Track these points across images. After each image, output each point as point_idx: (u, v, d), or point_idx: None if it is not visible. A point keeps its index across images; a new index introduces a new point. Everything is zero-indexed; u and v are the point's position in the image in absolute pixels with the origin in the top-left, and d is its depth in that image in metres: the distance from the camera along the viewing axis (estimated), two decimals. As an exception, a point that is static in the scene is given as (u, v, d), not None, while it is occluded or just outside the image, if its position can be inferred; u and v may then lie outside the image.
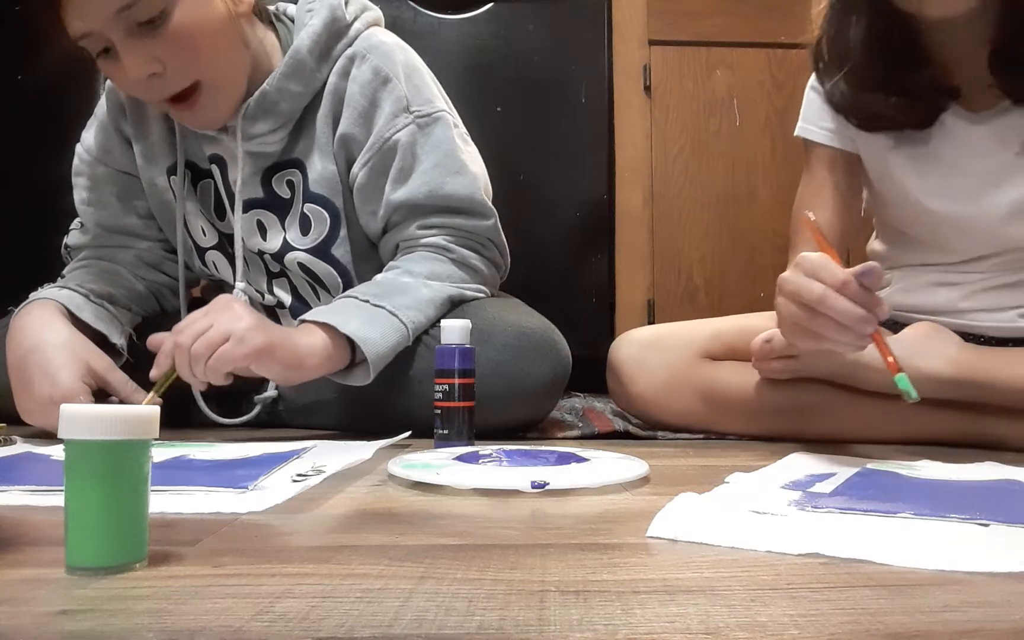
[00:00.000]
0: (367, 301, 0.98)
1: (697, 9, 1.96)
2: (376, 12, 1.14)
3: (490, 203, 1.12)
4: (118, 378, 0.96)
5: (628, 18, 1.96)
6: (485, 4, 1.94)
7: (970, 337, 0.97)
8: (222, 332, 0.87)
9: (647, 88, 1.97)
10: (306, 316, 0.96)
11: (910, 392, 0.70)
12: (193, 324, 0.88)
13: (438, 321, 1.02)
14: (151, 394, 0.88)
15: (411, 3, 1.92)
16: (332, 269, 1.11)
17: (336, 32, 1.07)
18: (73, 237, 1.19)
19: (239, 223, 1.08)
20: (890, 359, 0.72)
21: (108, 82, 1.14)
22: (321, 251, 1.10)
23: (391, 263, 1.08)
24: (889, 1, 0.87)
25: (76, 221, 1.19)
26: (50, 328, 0.96)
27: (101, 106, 1.16)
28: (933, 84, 0.93)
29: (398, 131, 1.06)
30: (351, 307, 0.97)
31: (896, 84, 0.93)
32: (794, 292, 0.77)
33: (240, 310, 0.90)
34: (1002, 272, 0.97)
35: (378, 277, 1.06)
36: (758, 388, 1.00)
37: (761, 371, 0.98)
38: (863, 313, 0.72)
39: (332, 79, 1.07)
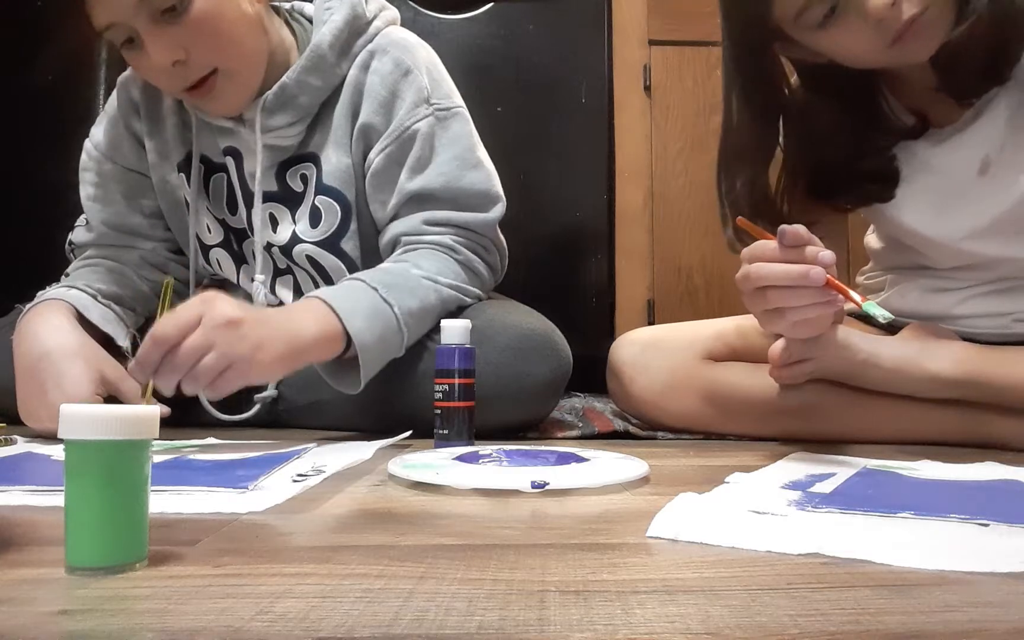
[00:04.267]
0: (388, 303, 0.95)
1: (697, 9, 1.96)
2: (394, 12, 1.14)
3: (504, 202, 1.12)
4: (130, 387, 0.96)
5: (628, 18, 1.96)
6: (485, 4, 1.94)
7: (967, 341, 0.97)
8: (225, 360, 0.79)
9: (647, 88, 1.97)
10: (330, 302, 0.91)
11: (884, 314, 0.70)
12: (188, 344, 0.77)
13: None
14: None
15: (411, 3, 1.92)
16: (340, 262, 1.10)
17: (357, 29, 1.07)
18: (78, 234, 1.19)
19: (258, 216, 1.08)
20: (852, 295, 0.73)
21: (120, 78, 1.15)
22: (330, 244, 1.10)
23: (396, 255, 1.06)
24: (854, 76, 0.90)
25: (81, 217, 1.19)
26: (62, 332, 0.96)
27: (112, 102, 1.15)
28: (903, 133, 0.95)
29: (418, 121, 1.06)
30: (364, 301, 0.94)
31: (866, 156, 0.96)
32: (741, 280, 0.78)
33: (240, 320, 0.80)
34: (990, 280, 0.97)
35: (389, 266, 1.02)
36: (763, 389, 0.99)
37: (778, 379, 0.97)
38: (801, 268, 0.72)
39: (352, 72, 1.07)
